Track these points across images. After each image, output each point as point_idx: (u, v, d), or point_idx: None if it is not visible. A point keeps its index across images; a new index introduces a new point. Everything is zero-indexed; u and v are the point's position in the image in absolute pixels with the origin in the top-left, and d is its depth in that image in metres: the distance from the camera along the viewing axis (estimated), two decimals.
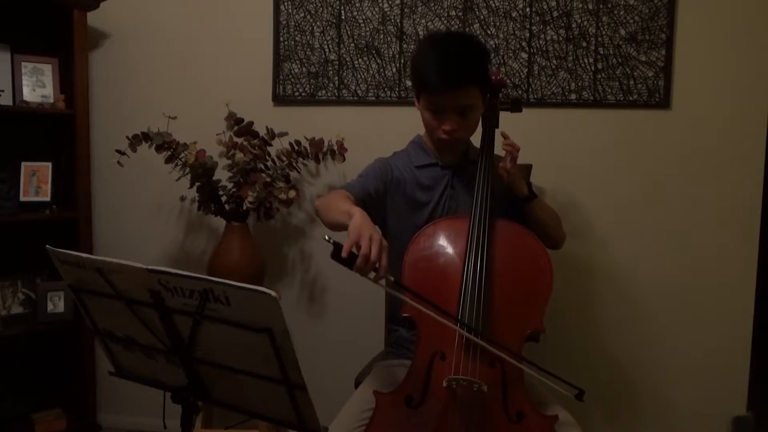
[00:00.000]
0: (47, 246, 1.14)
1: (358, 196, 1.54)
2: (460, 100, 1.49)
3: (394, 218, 1.66)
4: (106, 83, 2.49)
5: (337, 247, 1.19)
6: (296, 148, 2.19)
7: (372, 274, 1.21)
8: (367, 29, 2.32)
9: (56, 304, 2.30)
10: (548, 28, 2.24)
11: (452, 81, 1.45)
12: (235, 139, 2.23)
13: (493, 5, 2.25)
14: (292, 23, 2.36)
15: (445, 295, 1.41)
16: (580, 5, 2.21)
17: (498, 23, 2.25)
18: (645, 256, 2.26)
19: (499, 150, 1.66)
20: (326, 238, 1.19)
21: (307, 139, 2.21)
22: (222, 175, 2.20)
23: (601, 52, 2.22)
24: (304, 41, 2.36)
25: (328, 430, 1.43)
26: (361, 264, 1.19)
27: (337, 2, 2.32)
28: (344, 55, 2.34)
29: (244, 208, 2.15)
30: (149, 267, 1.01)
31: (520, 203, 1.59)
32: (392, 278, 1.24)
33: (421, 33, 2.29)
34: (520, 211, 1.62)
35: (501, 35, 2.26)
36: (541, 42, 2.24)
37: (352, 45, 2.33)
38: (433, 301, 1.31)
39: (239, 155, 2.15)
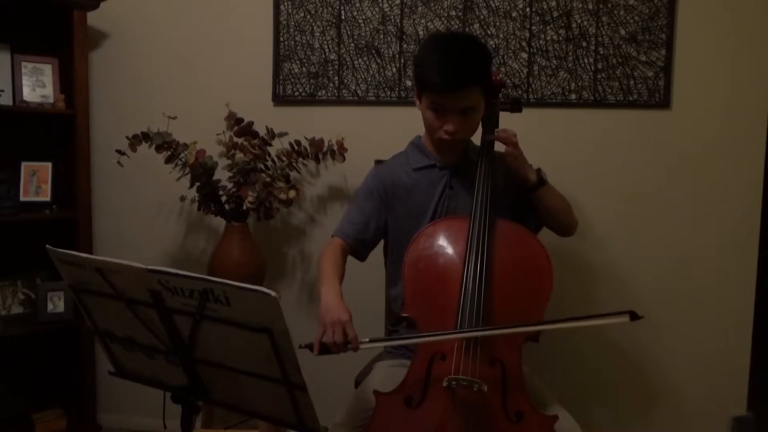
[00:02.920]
0: (47, 246, 1.14)
1: (351, 239, 1.64)
2: (462, 101, 1.49)
3: (394, 224, 1.66)
4: (106, 83, 2.49)
5: (310, 347, 1.36)
6: (296, 148, 2.19)
7: (349, 346, 1.35)
8: (367, 29, 2.32)
9: (56, 304, 2.30)
10: (548, 28, 2.24)
11: (456, 82, 1.45)
12: (235, 139, 2.23)
13: (493, 5, 2.25)
14: (292, 23, 2.36)
15: (445, 295, 1.41)
16: (580, 5, 2.21)
17: (498, 23, 2.25)
18: (645, 255, 2.26)
19: (499, 149, 1.66)
20: (299, 345, 1.31)
21: (307, 139, 2.21)
22: (222, 175, 2.20)
23: (601, 52, 2.22)
24: (304, 41, 2.36)
25: (328, 430, 1.43)
26: (335, 350, 1.35)
27: (337, 2, 2.32)
28: (344, 55, 2.34)
29: (244, 208, 2.15)
30: (149, 267, 1.01)
31: (528, 192, 1.58)
32: (367, 339, 1.38)
33: (421, 33, 2.29)
34: (526, 204, 1.61)
35: (501, 35, 2.26)
36: (541, 42, 2.24)
37: (352, 45, 2.34)
38: (430, 305, 1.38)
39: (239, 155, 2.15)
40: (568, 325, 1.36)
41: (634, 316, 1.31)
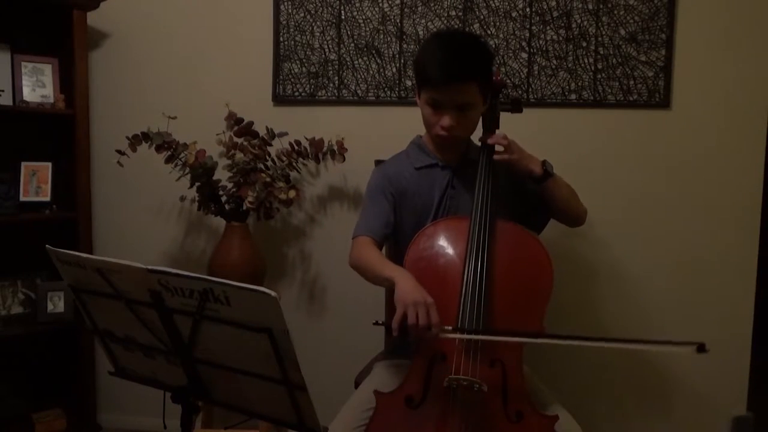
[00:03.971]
0: (47, 246, 1.14)
1: (379, 235, 1.59)
2: (458, 97, 1.49)
3: (400, 225, 1.65)
4: (106, 83, 2.49)
5: (387, 328, 1.30)
6: (296, 148, 2.19)
7: (429, 333, 1.29)
8: (367, 29, 2.32)
9: (56, 304, 2.30)
10: (548, 28, 2.24)
11: (452, 75, 1.45)
12: (235, 139, 2.23)
13: (493, 5, 2.25)
14: (292, 23, 2.36)
15: (446, 295, 1.41)
16: (580, 5, 2.21)
17: (498, 23, 2.25)
18: (645, 255, 2.26)
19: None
20: (375, 322, 1.33)
21: (307, 139, 2.21)
22: (222, 175, 2.20)
23: (601, 52, 2.22)
24: (304, 41, 2.36)
25: (328, 430, 1.43)
26: (414, 333, 1.28)
27: (337, 2, 2.32)
28: (344, 55, 2.34)
29: (244, 208, 2.15)
30: (149, 267, 1.01)
31: (535, 185, 1.57)
32: (449, 327, 1.33)
33: (421, 33, 2.29)
34: (532, 198, 1.61)
35: (501, 35, 2.26)
36: (541, 42, 2.24)
37: (352, 45, 2.33)
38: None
39: (239, 155, 2.15)
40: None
41: (701, 349, 1.28)
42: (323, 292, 2.45)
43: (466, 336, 1.36)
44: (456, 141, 1.59)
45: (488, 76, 1.55)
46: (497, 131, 1.62)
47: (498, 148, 1.55)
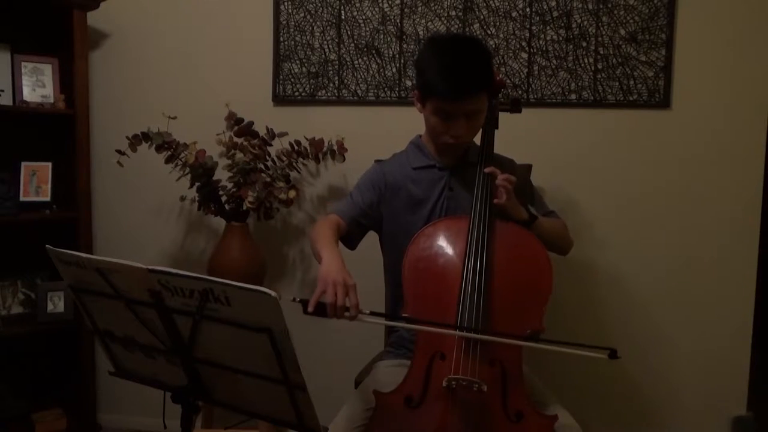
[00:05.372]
0: (47, 246, 1.14)
1: (347, 218, 1.61)
2: (469, 107, 1.49)
3: (391, 222, 1.66)
4: (106, 83, 2.49)
5: (305, 303, 1.27)
6: (296, 148, 2.19)
7: (347, 314, 1.28)
8: (367, 29, 2.32)
9: (56, 304, 2.30)
10: (548, 28, 2.24)
11: (465, 91, 1.46)
12: (235, 139, 2.23)
13: (493, 5, 2.25)
14: (292, 23, 2.36)
15: (445, 295, 1.41)
16: (580, 5, 2.21)
17: (498, 23, 2.25)
18: (645, 255, 2.26)
19: (498, 149, 1.66)
20: (293, 299, 1.28)
21: (307, 139, 2.21)
22: (222, 175, 2.20)
23: (601, 52, 2.22)
24: (304, 41, 2.36)
25: (328, 430, 1.43)
26: (332, 312, 1.27)
27: (337, 2, 2.32)
28: (344, 55, 2.34)
29: (244, 208, 2.15)
30: (149, 267, 1.01)
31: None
32: (368, 311, 1.31)
33: (421, 33, 2.29)
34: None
35: (501, 35, 2.26)
36: (541, 42, 2.24)
37: (352, 45, 2.33)
38: (430, 305, 1.36)
39: (239, 155, 2.15)
40: (546, 347, 1.31)
41: (612, 355, 1.28)
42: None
43: (387, 323, 1.38)
44: (462, 146, 1.60)
45: (493, 81, 1.57)
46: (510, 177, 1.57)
47: (498, 198, 1.50)
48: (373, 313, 1.32)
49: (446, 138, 1.54)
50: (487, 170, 1.52)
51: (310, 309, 1.27)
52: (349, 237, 1.64)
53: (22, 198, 2.29)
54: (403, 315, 1.45)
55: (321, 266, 1.35)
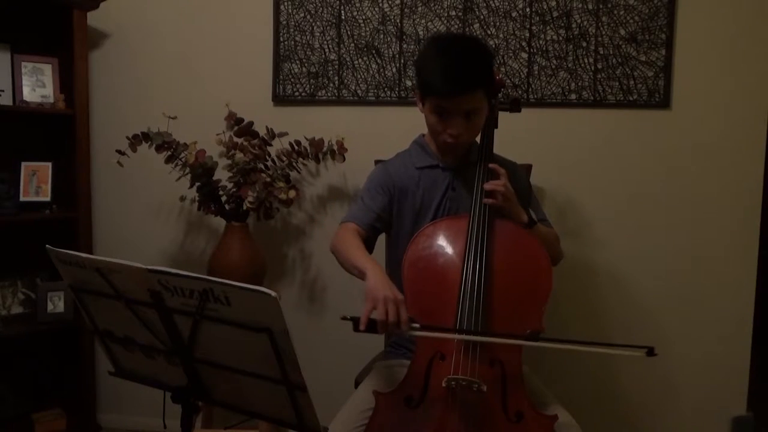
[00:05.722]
0: (47, 246, 1.14)
1: (365, 225, 1.59)
2: (467, 104, 1.49)
3: (398, 223, 1.66)
4: (106, 83, 2.49)
5: (355, 321, 1.27)
6: (296, 148, 2.19)
7: (397, 330, 1.28)
8: (367, 29, 2.32)
9: (56, 304, 2.30)
10: (548, 28, 2.24)
11: (461, 86, 1.45)
12: (235, 139, 2.23)
13: (493, 5, 2.25)
14: (292, 23, 2.36)
15: (445, 295, 1.41)
16: (580, 5, 2.21)
17: (498, 23, 2.25)
18: (645, 256, 2.26)
19: (498, 149, 1.66)
20: (343, 317, 1.29)
21: (307, 139, 2.21)
22: (222, 175, 2.20)
23: (601, 52, 2.22)
24: (304, 41, 2.36)
25: (328, 430, 1.43)
26: (382, 329, 1.28)
27: (337, 2, 2.32)
28: (344, 55, 2.34)
29: (244, 208, 2.15)
30: (149, 267, 1.01)
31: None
32: (417, 325, 1.31)
33: (421, 33, 2.29)
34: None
35: (501, 35, 2.26)
36: (541, 42, 2.24)
37: (352, 45, 2.33)
38: (430, 305, 1.36)
39: (239, 155, 2.15)
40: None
41: (650, 353, 1.27)
42: (323, 292, 2.45)
43: (436, 335, 1.36)
44: (462, 146, 1.60)
45: (492, 79, 1.56)
46: (498, 177, 1.56)
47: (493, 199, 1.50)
48: (423, 327, 1.33)
49: (445, 137, 1.54)
50: (487, 187, 1.50)
51: (362, 327, 1.27)
52: (367, 243, 1.62)
53: (22, 198, 2.29)
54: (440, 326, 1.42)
55: (367, 281, 1.33)
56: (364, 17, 2.32)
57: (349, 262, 1.47)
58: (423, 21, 2.29)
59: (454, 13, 2.27)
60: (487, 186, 1.49)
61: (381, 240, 1.73)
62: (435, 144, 1.65)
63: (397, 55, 2.31)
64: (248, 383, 1.08)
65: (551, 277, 1.47)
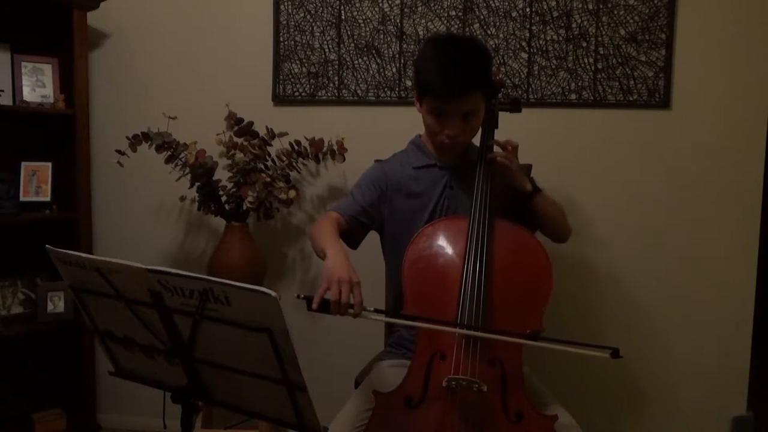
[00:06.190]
0: (47, 246, 1.14)
1: (347, 215, 1.60)
2: (464, 106, 1.49)
3: (392, 222, 1.66)
4: (106, 83, 2.49)
5: (309, 300, 1.28)
6: (296, 148, 2.19)
7: (351, 311, 1.28)
8: (367, 29, 2.32)
9: (56, 304, 2.30)
10: (548, 28, 2.24)
11: (458, 88, 1.46)
12: (235, 139, 2.23)
13: (493, 5, 2.25)
14: (292, 23, 2.36)
15: (445, 295, 1.41)
16: (580, 5, 2.21)
17: (498, 23, 2.25)
18: (645, 255, 2.26)
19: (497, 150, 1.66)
20: (297, 296, 1.29)
21: (307, 139, 2.21)
22: (222, 175, 2.20)
23: (601, 52, 2.22)
24: (304, 41, 2.36)
25: (328, 430, 1.43)
26: (335, 309, 1.28)
27: (337, 2, 2.32)
28: (344, 55, 2.34)
29: (244, 208, 2.15)
30: (149, 267, 1.01)
31: (524, 200, 1.59)
32: (371, 308, 1.31)
33: (421, 33, 2.29)
34: (523, 207, 1.61)
35: (501, 35, 2.26)
36: (541, 42, 2.24)
37: (352, 45, 2.34)
38: (430, 304, 1.36)
39: (239, 155, 2.15)
40: (548, 345, 1.32)
41: (614, 354, 1.28)
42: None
43: (390, 320, 1.39)
44: (459, 147, 1.60)
45: (490, 81, 1.56)
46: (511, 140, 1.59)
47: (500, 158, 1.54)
48: (376, 311, 1.32)
49: (442, 137, 1.54)
50: (490, 156, 1.52)
51: (314, 306, 1.28)
52: (351, 235, 1.63)
53: (22, 198, 2.29)
54: (403, 314, 1.45)
55: (326, 262, 1.34)
56: (364, 17, 2.32)
57: (317, 245, 1.47)
58: (423, 21, 2.29)
59: (454, 13, 2.27)
60: (499, 158, 1.51)
61: (376, 241, 1.73)
62: (432, 144, 1.65)
63: (397, 55, 2.31)
64: (248, 383, 1.08)
65: (552, 276, 1.47)
